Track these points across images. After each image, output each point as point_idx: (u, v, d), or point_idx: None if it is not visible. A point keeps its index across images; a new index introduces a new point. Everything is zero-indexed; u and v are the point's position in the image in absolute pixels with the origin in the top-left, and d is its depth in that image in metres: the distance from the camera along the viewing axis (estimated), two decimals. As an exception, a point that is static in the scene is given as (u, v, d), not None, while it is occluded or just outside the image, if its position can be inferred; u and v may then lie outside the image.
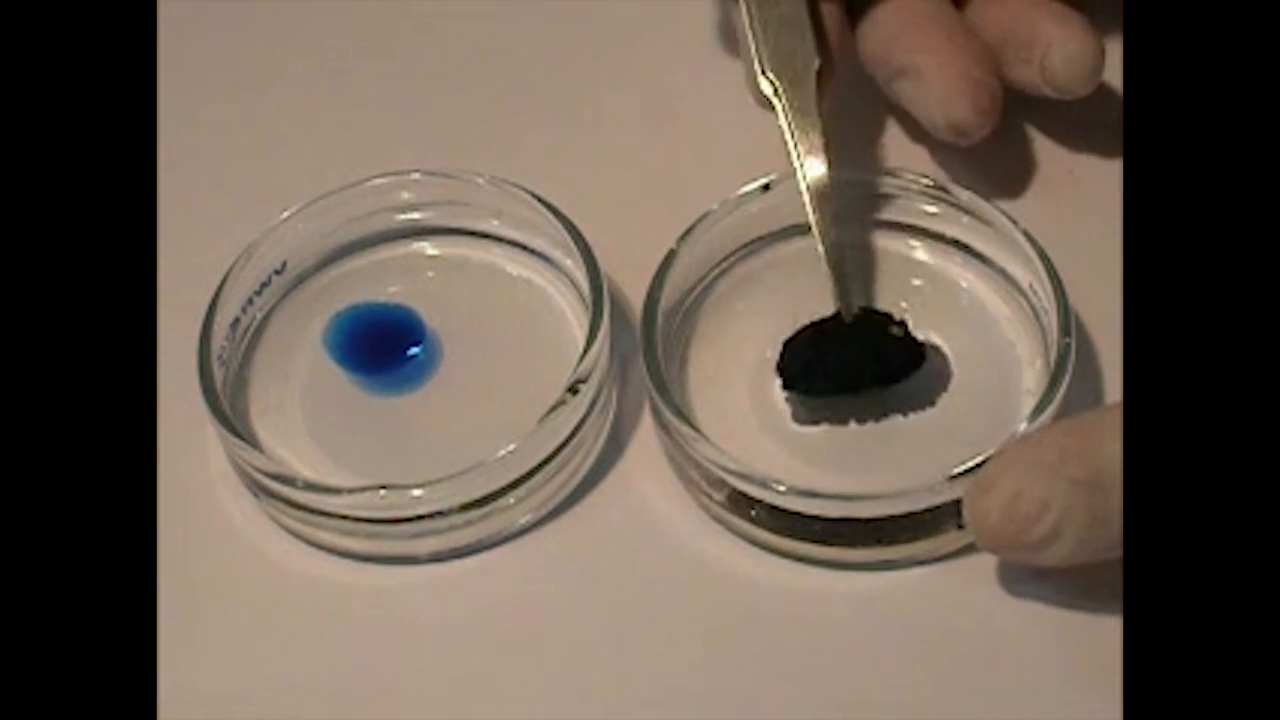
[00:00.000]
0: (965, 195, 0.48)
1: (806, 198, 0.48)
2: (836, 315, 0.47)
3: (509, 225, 0.51)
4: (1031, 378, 0.47)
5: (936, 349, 0.48)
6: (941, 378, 0.47)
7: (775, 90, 0.49)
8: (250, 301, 0.49)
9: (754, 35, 0.50)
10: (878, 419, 0.47)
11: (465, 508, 0.46)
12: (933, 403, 0.47)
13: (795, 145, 0.48)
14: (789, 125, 0.48)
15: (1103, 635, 0.43)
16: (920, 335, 0.47)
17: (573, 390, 0.46)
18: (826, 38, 0.50)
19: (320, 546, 0.47)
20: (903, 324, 0.47)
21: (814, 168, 0.48)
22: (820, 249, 0.47)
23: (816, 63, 0.49)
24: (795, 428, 0.47)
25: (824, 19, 0.50)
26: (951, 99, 0.49)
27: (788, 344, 0.47)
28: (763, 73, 0.49)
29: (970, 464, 0.43)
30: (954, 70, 0.49)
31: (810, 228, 0.48)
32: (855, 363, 0.47)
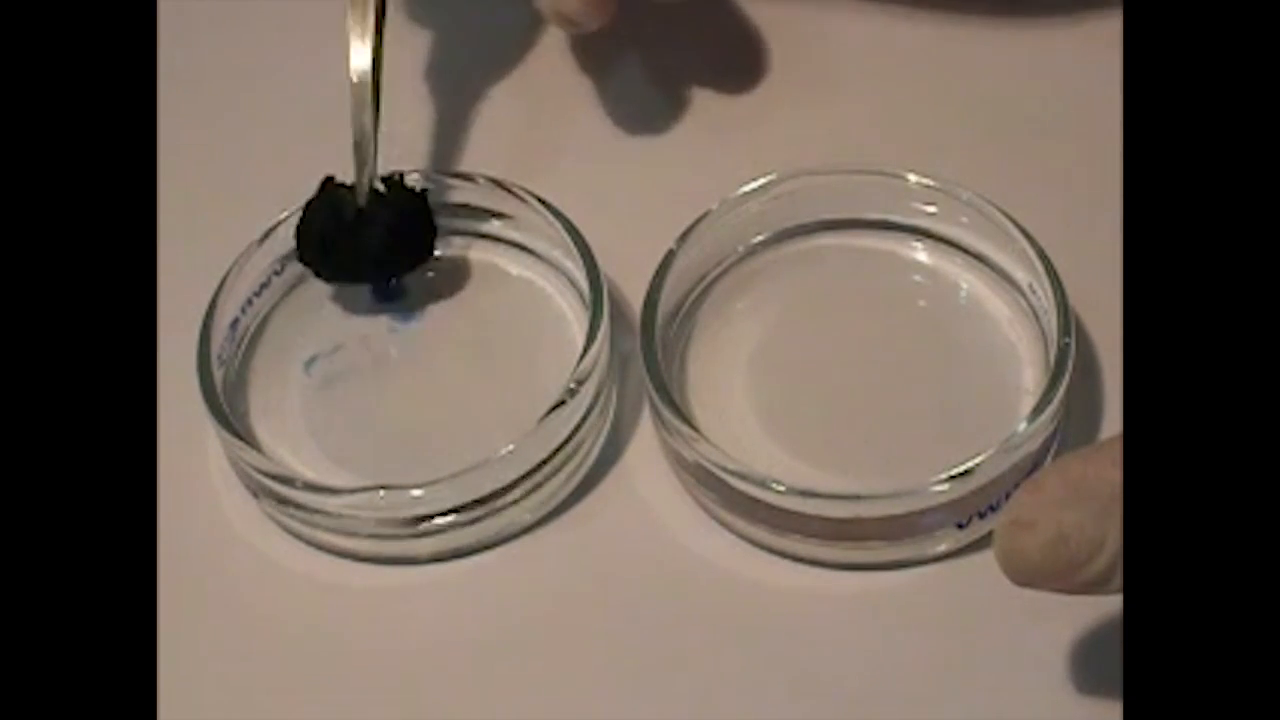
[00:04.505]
0: (965, 195, 0.48)
1: (349, 80, 0.49)
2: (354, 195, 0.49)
3: (509, 226, 0.51)
4: (1031, 377, 0.47)
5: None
6: (942, 376, 0.48)
7: None
8: (250, 302, 0.49)
9: None
10: (877, 419, 0.47)
11: (465, 508, 0.46)
12: (933, 401, 0.47)
13: (348, 29, 0.49)
14: (347, 9, 0.49)
15: (1103, 635, 0.43)
16: (916, 335, 0.47)
17: (572, 390, 0.46)
18: None
19: (320, 547, 0.47)
20: (422, 201, 0.49)
21: (359, 53, 0.49)
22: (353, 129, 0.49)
23: None
24: (795, 428, 0.47)
25: None
26: None
27: (302, 220, 0.49)
28: None
29: (970, 464, 0.43)
30: None
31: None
32: (370, 247, 0.48)
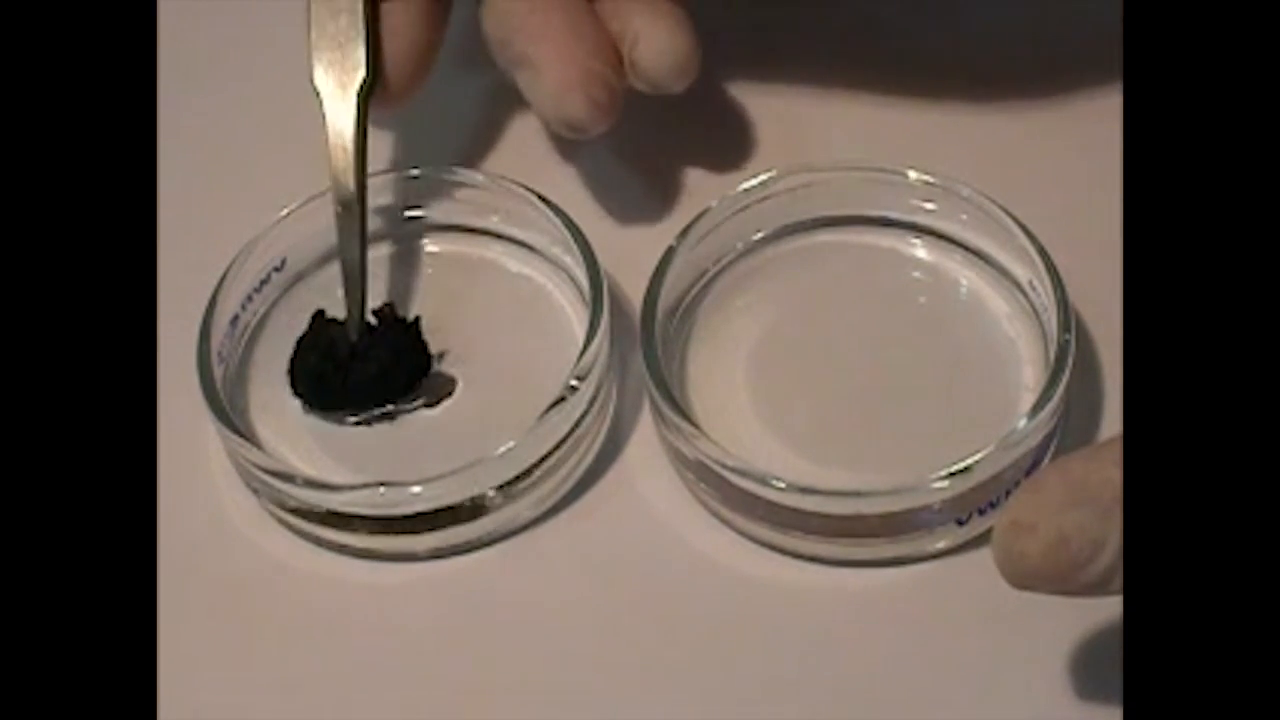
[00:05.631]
0: (965, 191, 0.48)
1: (335, 209, 0.48)
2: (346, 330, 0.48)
3: (509, 222, 0.51)
4: (1031, 374, 0.47)
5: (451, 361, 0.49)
6: (942, 374, 0.48)
7: (319, 101, 0.49)
8: (250, 299, 0.49)
9: (310, 43, 0.49)
10: (877, 415, 0.47)
11: (465, 504, 0.46)
12: (932, 398, 0.47)
13: (330, 155, 0.48)
14: (325, 135, 0.48)
15: (1103, 631, 0.43)
16: (916, 332, 0.47)
17: (572, 387, 0.46)
18: (384, 52, 0.49)
19: (319, 543, 0.47)
20: (415, 331, 0.48)
21: (343, 181, 0.48)
22: (341, 263, 0.48)
23: (360, 76, 0.48)
24: (795, 425, 0.47)
25: (398, 31, 0.49)
26: (564, 92, 0.47)
27: (294, 356, 0.48)
28: (311, 80, 0.49)
29: (969, 460, 0.43)
30: (568, 60, 0.47)
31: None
32: (363, 383, 0.48)
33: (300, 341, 0.49)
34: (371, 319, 0.49)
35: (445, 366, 0.49)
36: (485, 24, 0.50)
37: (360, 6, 0.49)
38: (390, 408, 0.48)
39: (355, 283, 0.48)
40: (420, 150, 0.53)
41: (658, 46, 0.48)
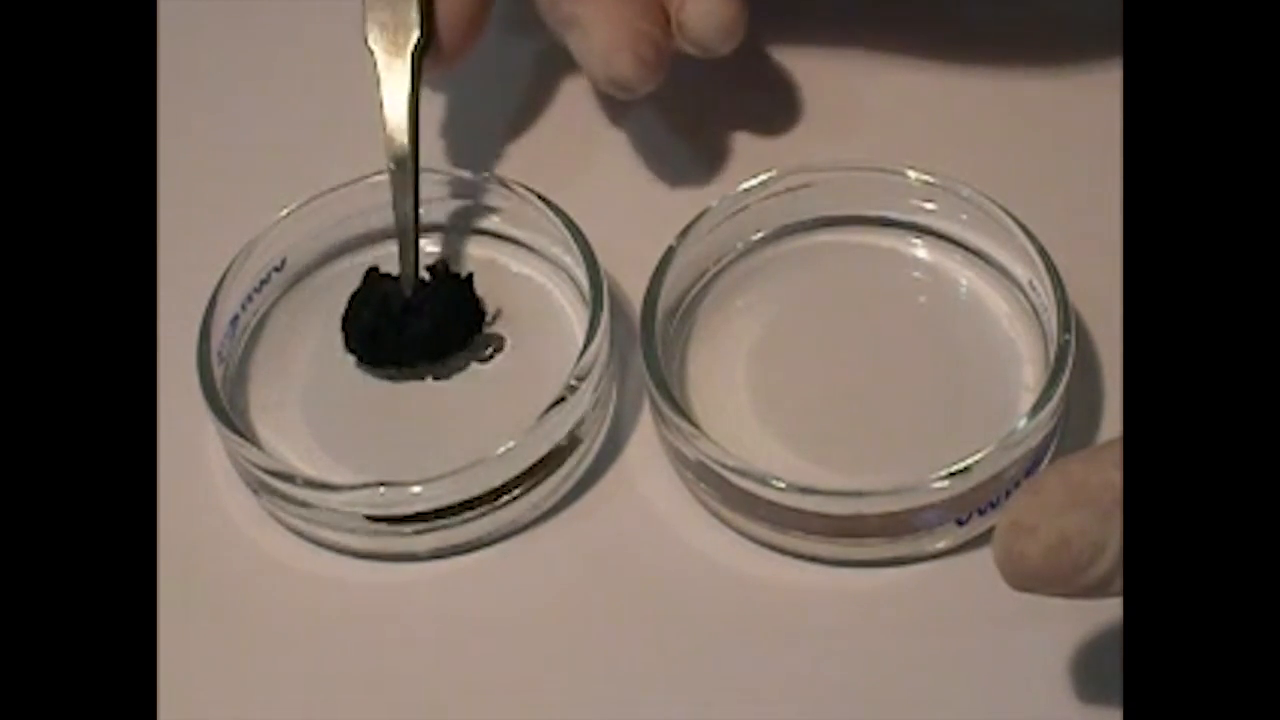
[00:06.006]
0: (965, 191, 0.48)
1: (388, 167, 0.48)
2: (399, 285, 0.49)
3: (509, 222, 0.51)
4: (1031, 374, 0.47)
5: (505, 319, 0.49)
6: (941, 373, 0.48)
7: (373, 60, 0.49)
8: (250, 299, 0.49)
9: (364, 4, 0.49)
10: (877, 415, 0.47)
11: (465, 504, 0.46)
12: (932, 398, 0.47)
13: (382, 116, 0.49)
14: (379, 96, 0.49)
15: (1103, 631, 0.43)
16: (916, 332, 0.47)
17: (572, 387, 0.46)
18: (437, 12, 0.49)
19: (320, 543, 0.47)
20: (468, 286, 0.49)
21: (397, 139, 0.49)
22: (395, 219, 0.49)
23: (415, 36, 0.49)
24: (795, 425, 0.47)
25: None
26: (612, 52, 0.48)
27: (348, 312, 0.49)
28: (365, 41, 0.49)
29: (969, 460, 0.43)
30: (616, 21, 0.48)
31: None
32: (417, 338, 0.48)
33: (354, 297, 0.49)
34: (425, 275, 0.49)
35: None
36: None
37: None
38: (441, 364, 0.48)
39: (409, 239, 0.48)
40: (420, 151, 0.53)
41: (705, 7, 0.48)
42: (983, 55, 0.55)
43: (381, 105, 0.49)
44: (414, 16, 0.49)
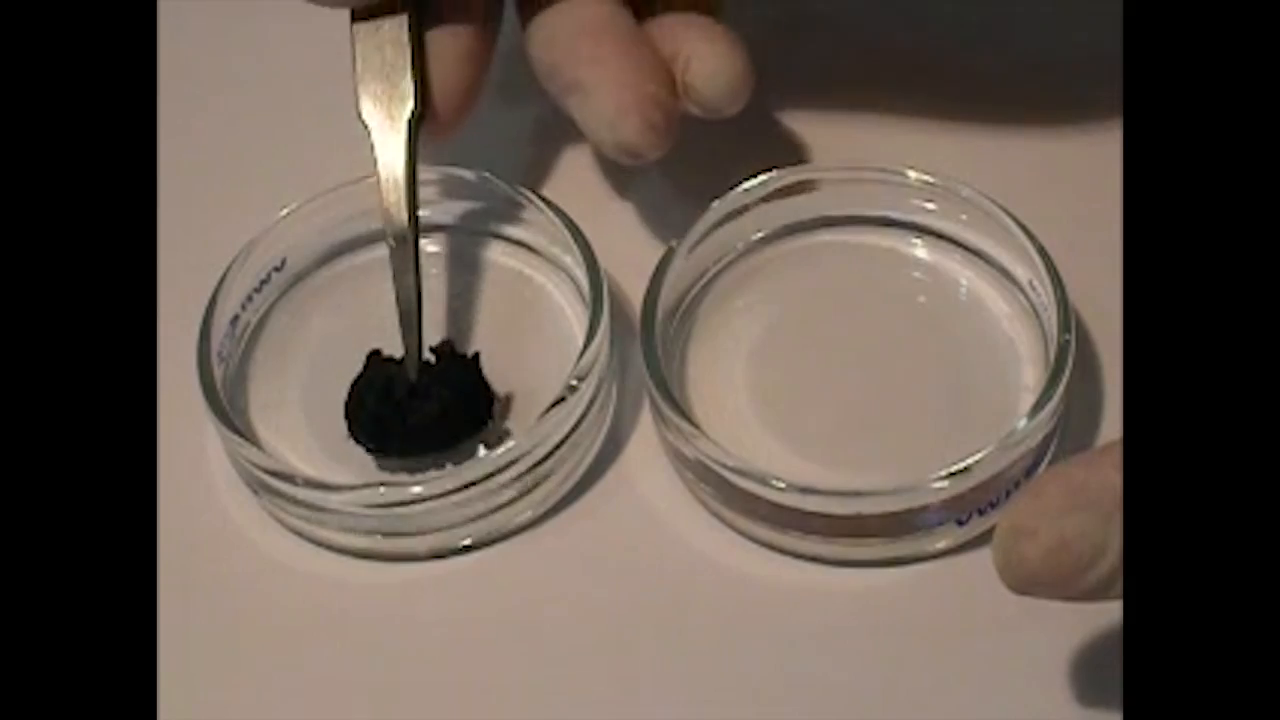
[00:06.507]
0: (965, 191, 0.48)
1: (387, 243, 0.47)
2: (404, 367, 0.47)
3: (508, 222, 0.51)
4: (1031, 374, 0.47)
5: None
6: (942, 374, 0.48)
7: (368, 134, 0.48)
8: (249, 299, 0.49)
9: (355, 76, 0.48)
10: (877, 415, 0.47)
11: (465, 505, 0.46)
12: (932, 398, 0.47)
13: (381, 190, 0.47)
14: (375, 170, 0.47)
15: (1103, 632, 0.43)
16: (916, 332, 0.47)
17: (572, 387, 0.46)
18: (431, 82, 0.48)
19: (319, 543, 0.47)
20: (475, 369, 0.47)
21: (395, 214, 0.47)
22: (396, 299, 0.47)
23: (410, 107, 0.47)
24: (795, 425, 0.47)
25: (446, 59, 0.48)
26: (619, 117, 0.46)
27: (350, 398, 0.47)
28: (359, 114, 0.48)
29: (969, 460, 0.43)
30: (622, 84, 0.46)
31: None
32: (424, 424, 0.46)
33: (356, 383, 0.47)
34: (429, 356, 0.47)
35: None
36: (531, 49, 0.48)
37: (406, 37, 0.48)
38: (453, 450, 0.47)
39: (412, 319, 0.47)
40: (420, 151, 0.53)
41: (712, 68, 0.47)
42: (983, 56, 0.55)
43: (378, 179, 0.48)
44: (408, 87, 0.48)
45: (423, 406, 0.46)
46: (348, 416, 0.47)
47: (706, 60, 0.47)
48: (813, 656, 0.44)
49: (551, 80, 0.48)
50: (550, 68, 0.48)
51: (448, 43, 0.49)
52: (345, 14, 0.49)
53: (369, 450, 0.47)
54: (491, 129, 0.54)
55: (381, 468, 0.47)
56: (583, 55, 0.47)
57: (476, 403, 0.47)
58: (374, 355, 0.48)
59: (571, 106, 0.47)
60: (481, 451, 0.47)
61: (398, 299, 0.47)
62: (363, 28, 0.48)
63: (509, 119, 0.55)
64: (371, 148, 0.48)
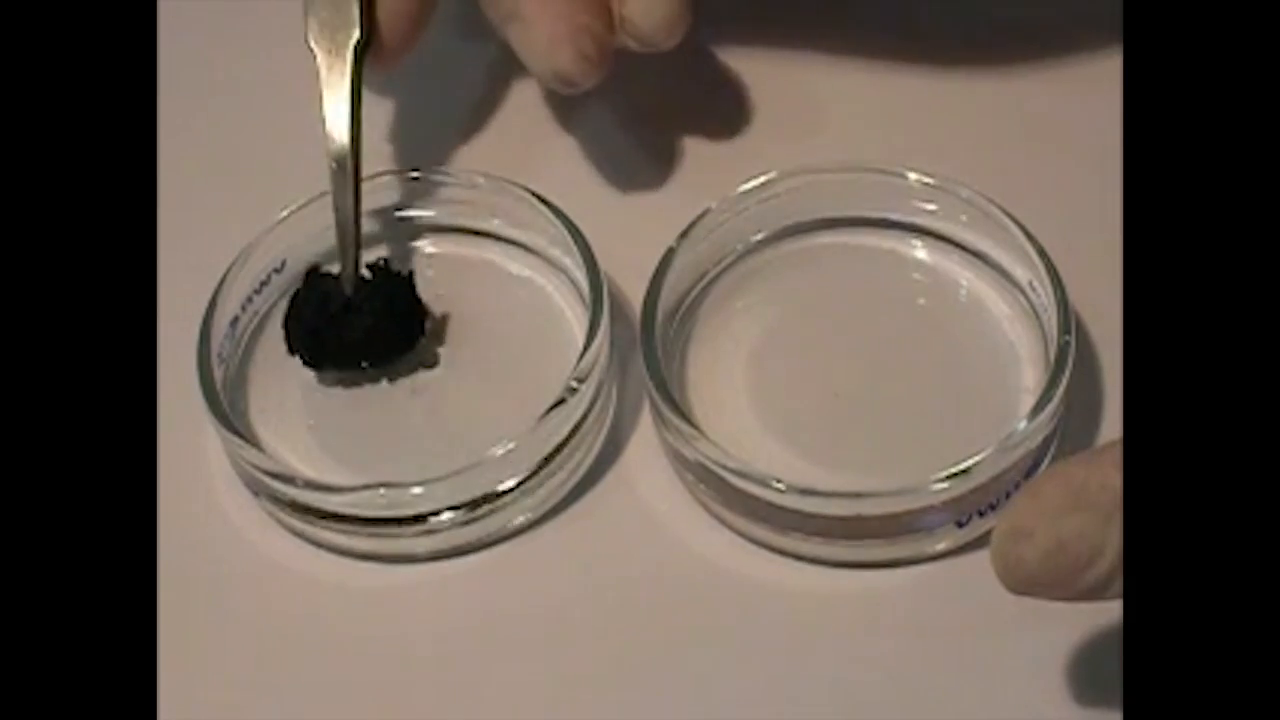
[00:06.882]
0: (965, 193, 0.48)
1: (329, 165, 0.48)
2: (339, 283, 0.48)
3: (508, 224, 0.51)
4: (1031, 376, 0.47)
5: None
6: (941, 375, 0.48)
7: (315, 59, 0.49)
8: (249, 300, 0.49)
9: (305, 2, 0.49)
10: (877, 417, 0.47)
11: (465, 506, 0.46)
12: (932, 399, 0.47)
13: (322, 113, 0.48)
14: (322, 94, 0.49)
15: (1103, 632, 0.43)
16: (916, 333, 0.47)
17: (572, 389, 0.46)
18: (377, 11, 0.49)
19: (320, 545, 0.47)
20: (409, 286, 0.49)
21: (336, 138, 0.48)
22: (335, 218, 0.48)
23: (355, 34, 0.49)
24: (795, 426, 0.47)
25: None
26: (554, 46, 0.48)
27: (289, 311, 0.48)
28: (306, 39, 0.49)
29: (969, 462, 0.43)
30: (557, 15, 0.48)
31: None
32: (357, 337, 0.48)
33: (294, 297, 0.49)
34: (365, 273, 0.49)
35: (444, 364, 0.49)
36: None
37: None
38: (384, 366, 0.48)
39: (349, 237, 0.48)
40: (420, 152, 0.53)
41: (647, 2, 0.48)
42: (983, 56, 0.55)
43: (321, 103, 0.49)
44: (354, 14, 0.49)
45: (356, 320, 0.48)
46: (285, 329, 0.48)
47: None
48: (812, 658, 0.44)
49: (492, 10, 0.50)
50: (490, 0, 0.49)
51: None
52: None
53: (305, 363, 0.48)
54: (491, 131, 0.54)
55: (321, 381, 0.48)
56: None
57: (410, 320, 0.48)
58: (312, 270, 0.49)
59: (509, 35, 0.49)
60: (420, 373, 0.48)
61: (336, 218, 0.48)
62: None
63: (509, 121, 0.55)
64: (317, 73, 0.49)
